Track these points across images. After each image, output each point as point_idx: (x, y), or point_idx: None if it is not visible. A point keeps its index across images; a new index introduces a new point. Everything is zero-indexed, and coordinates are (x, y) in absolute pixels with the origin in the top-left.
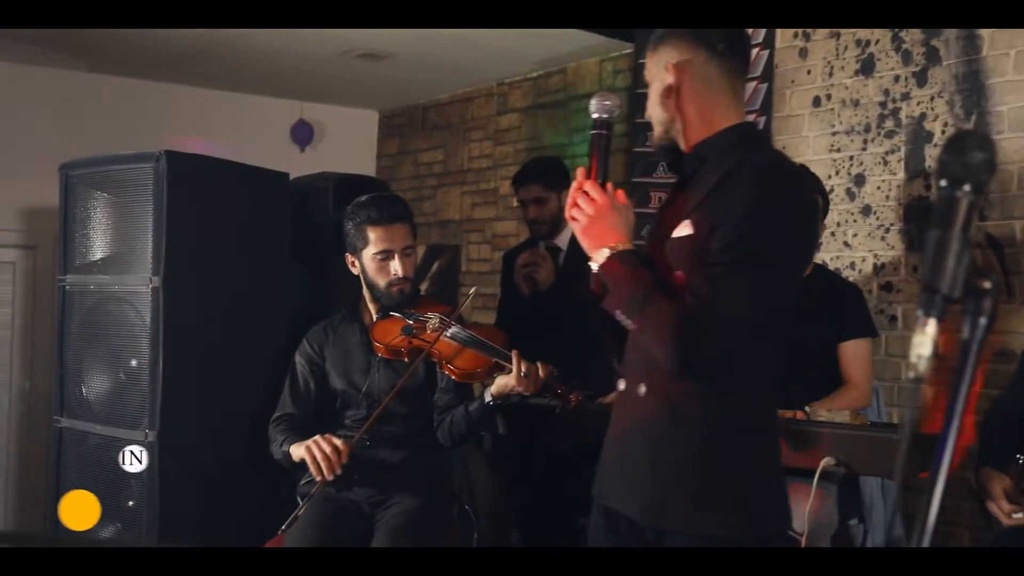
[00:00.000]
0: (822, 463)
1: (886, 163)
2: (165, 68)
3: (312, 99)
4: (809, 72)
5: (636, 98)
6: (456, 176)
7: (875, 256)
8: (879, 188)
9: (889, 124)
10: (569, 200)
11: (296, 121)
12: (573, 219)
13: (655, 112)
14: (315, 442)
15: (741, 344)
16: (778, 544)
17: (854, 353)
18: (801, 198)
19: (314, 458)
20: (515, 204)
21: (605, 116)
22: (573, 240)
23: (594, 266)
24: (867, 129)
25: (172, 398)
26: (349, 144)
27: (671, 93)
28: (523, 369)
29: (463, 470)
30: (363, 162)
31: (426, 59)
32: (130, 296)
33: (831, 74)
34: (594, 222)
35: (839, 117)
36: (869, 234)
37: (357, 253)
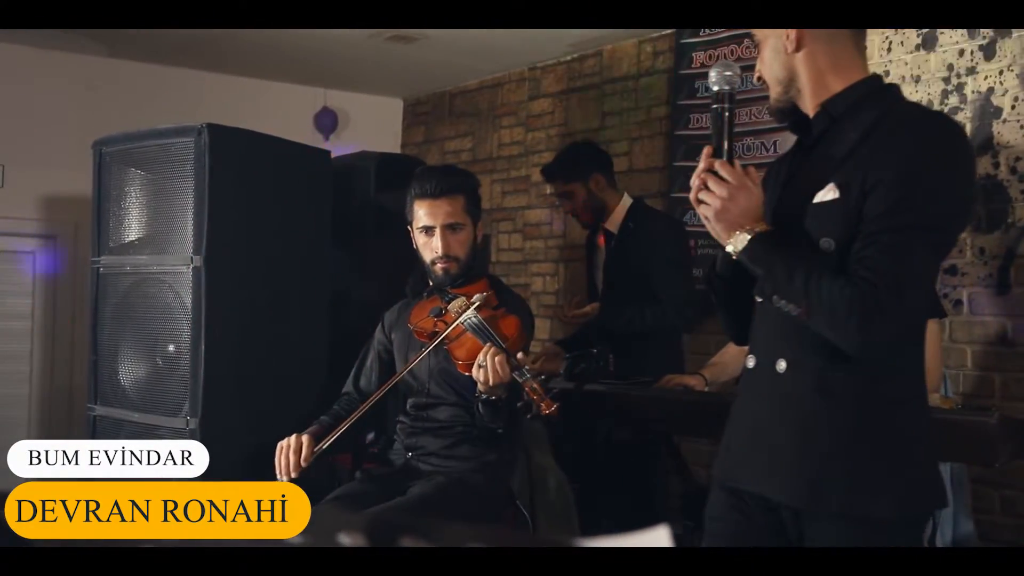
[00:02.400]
0: None
1: None
2: (185, 53)
3: (335, 86)
4: (866, 48)
5: (679, 80)
6: (485, 164)
7: None
8: None
9: (953, 100)
10: (695, 182)
11: (320, 108)
12: (701, 202)
13: (772, 71)
14: (286, 440)
15: (920, 315)
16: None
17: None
18: (966, 152)
19: (277, 457)
20: (549, 191)
21: (727, 88)
22: (623, 226)
23: (732, 251)
24: (929, 106)
25: (214, 383)
26: (374, 132)
27: (792, 48)
28: (479, 359)
29: (525, 466)
30: (388, 151)
31: (457, 41)
32: (169, 277)
33: (889, 49)
34: (728, 205)
35: None
36: None
37: (411, 228)
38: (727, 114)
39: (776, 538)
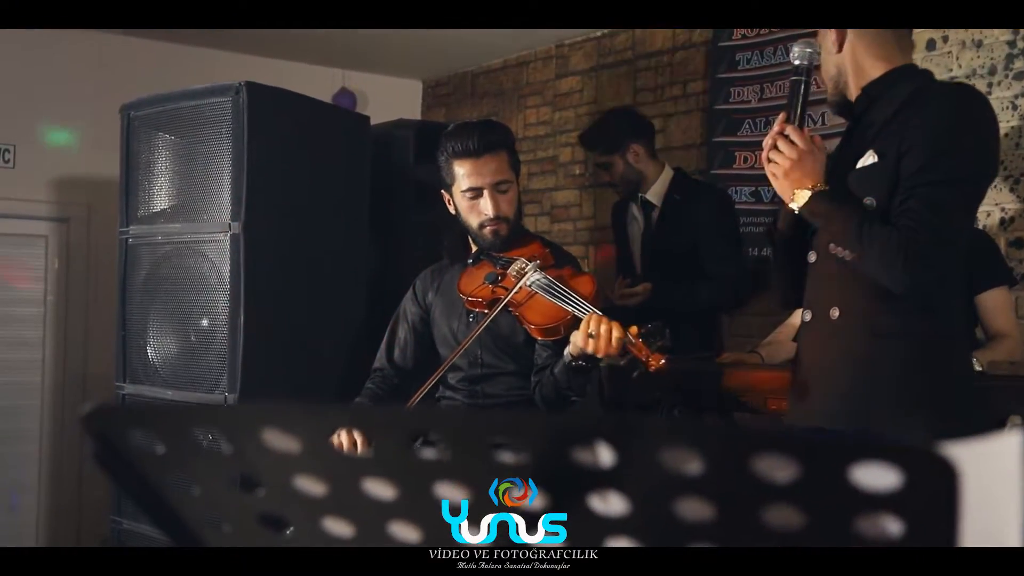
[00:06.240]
0: (1008, 423)
1: (1015, 107)
2: (200, 32)
3: (354, 67)
4: (906, 36)
5: (718, 52)
6: None
7: (1002, 209)
8: (1007, 135)
9: (1018, 64)
10: (768, 143)
11: (338, 90)
12: (771, 161)
13: (825, 69)
14: (337, 436)
15: (956, 260)
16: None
17: (995, 303)
18: (989, 118)
19: None
20: (577, 172)
21: (806, 63)
22: (667, 198)
23: (795, 206)
24: (992, 72)
25: (253, 358)
26: (393, 114)
27: (835, 50)
28: (590, 327)
29: None
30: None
31: None
32: (204, 246)
33: None
34: (795, 165)
35: (958, 60)
36: (995, 186)
37: (449, 190)
38: (803, 86)
39: None
